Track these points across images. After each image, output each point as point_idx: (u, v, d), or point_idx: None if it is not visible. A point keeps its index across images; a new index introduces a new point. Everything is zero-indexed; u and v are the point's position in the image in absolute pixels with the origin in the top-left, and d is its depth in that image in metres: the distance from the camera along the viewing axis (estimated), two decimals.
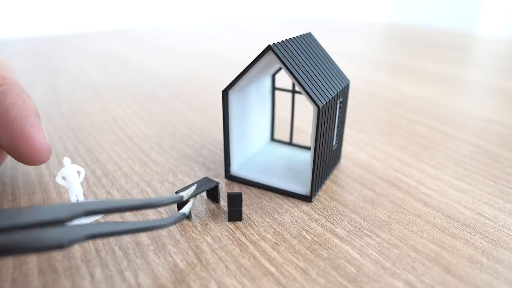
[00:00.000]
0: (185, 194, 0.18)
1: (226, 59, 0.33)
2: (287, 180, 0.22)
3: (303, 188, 0.21)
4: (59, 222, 0.12)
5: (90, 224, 0.14)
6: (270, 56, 0.19)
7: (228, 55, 0.35)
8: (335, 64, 0.23)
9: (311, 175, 0.20)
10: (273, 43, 0.19)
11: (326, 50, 0.23)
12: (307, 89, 0.19)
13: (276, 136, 0.28)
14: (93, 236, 0.13)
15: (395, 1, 1.73)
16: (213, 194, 0.20)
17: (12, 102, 0.19)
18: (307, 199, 0.21)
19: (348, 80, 0.23)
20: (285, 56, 0.19)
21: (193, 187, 0.18)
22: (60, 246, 0.12)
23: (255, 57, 0.19)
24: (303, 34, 0.22)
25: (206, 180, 0.20)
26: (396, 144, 0.28)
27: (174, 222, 0.16)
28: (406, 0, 1.69)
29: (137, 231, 0.15)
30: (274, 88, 0.25)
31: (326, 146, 0.21)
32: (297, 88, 0.20)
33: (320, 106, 0.18)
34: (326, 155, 0.21)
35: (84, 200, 0.14)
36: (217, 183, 0.20)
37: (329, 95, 0.20)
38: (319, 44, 0.23)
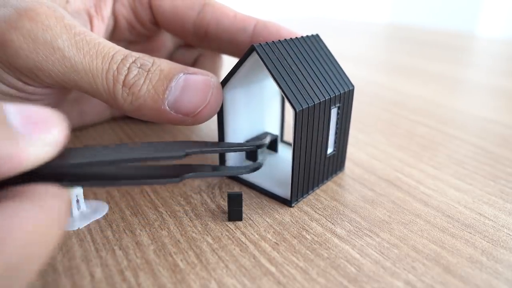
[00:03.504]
0: (261, 160, 0.19)
1: (228, 58, 0.33)
2: (273, 181, 0.21)
3: (285, 191, 0.20)
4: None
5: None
6: (255, 56, 0.19)
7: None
8: (340, 69, 0.22)
9: (291, 179, 0.20)
10: (258, 44, 0.19)
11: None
12: (286, 91, 0.18)
13: (287, 139, 0.27)
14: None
15: (395, 1, 1.73)
16: (272, 146, 0.24)
17: None
18: (287, 203, 0.20)
19: (352, 86, 0.22)
20: (269, 57, 0.18)
21: (268, 139, 0.21)
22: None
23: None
24: (308, 36, 0.21)
25: (265, 134, 0.24)
26: (397, 144, 0.28)
27: (251, 170, 0.18)
28: (406, 0, 1.69)
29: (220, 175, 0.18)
30: None
31: (314, 152, 0.20)
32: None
33: (298, 110, 0.18)
34: (314, 161, 0.21)
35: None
36: (277, 136, 0.24)
37: (315, 100, 0.19)
38: (325, 46, 0.22)
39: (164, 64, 0.19)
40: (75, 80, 0.19)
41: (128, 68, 0.19)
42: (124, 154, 0.15)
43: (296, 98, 0.18)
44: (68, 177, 0.14)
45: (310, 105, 0.19)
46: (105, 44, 0.19)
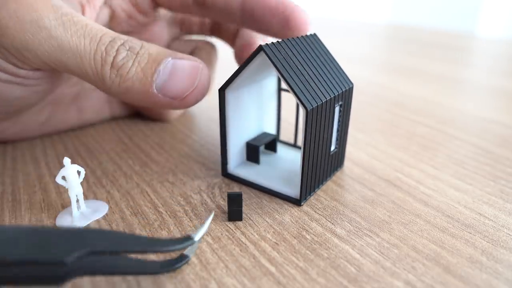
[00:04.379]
0: (197, 236, 0.15)
1: (227, 56, 0.33)
2: (280, 182, 0.21)
3: (293, 191, 0.20)
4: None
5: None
6: (262, 56, 0.19)
7: (230, 54, 0.35)
8: (339, 67, 0.22)
9: (300, 179, 0.20)
10: (265, 44, 0.19)
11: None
12: (296, 91, 0.18)
13: (283, 138, 0.28)
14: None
15: (395, 1, 1.73)
16: (271, 146, 0.24)
17: None
18: (296, 202, 0.20)
19: (352, 83, 0.22)
20: (276, 57, 0.18)
21: (205, 226, 0.16)
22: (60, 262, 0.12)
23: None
24: (306, 35, 0.21)
25: (264, 134, 0.24)
26: (397, 144, 0.28)
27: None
28: (406, 0, 1.69)
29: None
30: (280, 89, 0.25)
31: (320, 150, 0.20)
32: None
33: (309, 109, 0.18)
34: (321, 159, 0.21)
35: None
36: (275, 136, 0.24)
37: (322, 98, 0.19)
38: (323, 45, 0.22)
39: (153, 48, 0.19)
40: (63, 61, 0.19)
41: (117, 50, 0.19)
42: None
43: (306, 98, 0.18)
44: None
45: (318, 103, 0.19)
46: (93, 25, 0.19)
